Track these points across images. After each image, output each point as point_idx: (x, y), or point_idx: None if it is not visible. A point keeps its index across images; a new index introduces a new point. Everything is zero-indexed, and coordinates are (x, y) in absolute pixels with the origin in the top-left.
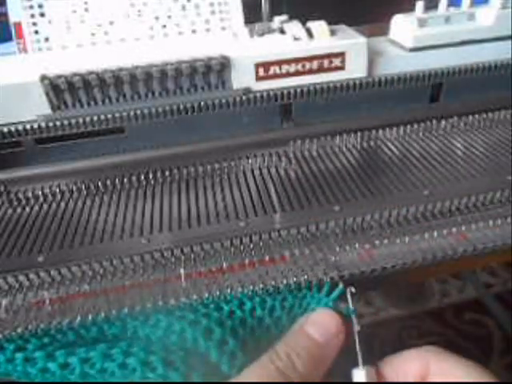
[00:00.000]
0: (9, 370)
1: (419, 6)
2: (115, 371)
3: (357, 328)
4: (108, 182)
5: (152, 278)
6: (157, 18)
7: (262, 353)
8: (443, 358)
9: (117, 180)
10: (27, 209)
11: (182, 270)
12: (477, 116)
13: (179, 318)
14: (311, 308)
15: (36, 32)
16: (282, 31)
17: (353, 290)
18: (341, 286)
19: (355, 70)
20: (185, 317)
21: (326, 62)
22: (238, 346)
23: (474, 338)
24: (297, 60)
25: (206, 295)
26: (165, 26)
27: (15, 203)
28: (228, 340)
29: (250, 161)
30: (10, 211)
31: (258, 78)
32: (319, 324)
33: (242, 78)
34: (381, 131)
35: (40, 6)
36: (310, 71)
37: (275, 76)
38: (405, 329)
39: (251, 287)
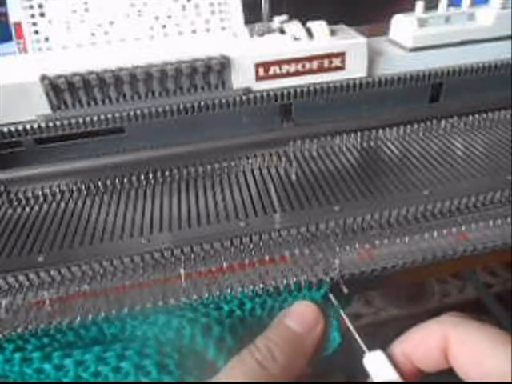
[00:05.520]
0: (6, 370)
1: (419, 5)
2: (108, 375)
3: (348, 321)
4: (108, 182)
5: (152, 278)
6: (157, 18)
7: None
8: (462, 329)
9: (117, 180)
10: (27, 209)
11: (182, 270)
12: (477, 116)
13: (178, 315)
14: None
15: (36, 32)
16: (282, 31)
17: (345, 290)
18: (326, 284)
19: (355, 69)
20: (184, 315)
21: (326, 62)
22: (235, 343)
23: None
24: (297, 60)
25: (206, 295)
26: (165, 26)
27: (15, 203)
28: (226, 337)
29: (250, 161)
30: (10, 211)
31: (258, 78)
32: (297, 314)
33: (242, 78)
34: (381, 131)
35: (40, 6)
36: (310, 71)
37: (275, 76)
38: (405, 329)
39: (251, 287)
